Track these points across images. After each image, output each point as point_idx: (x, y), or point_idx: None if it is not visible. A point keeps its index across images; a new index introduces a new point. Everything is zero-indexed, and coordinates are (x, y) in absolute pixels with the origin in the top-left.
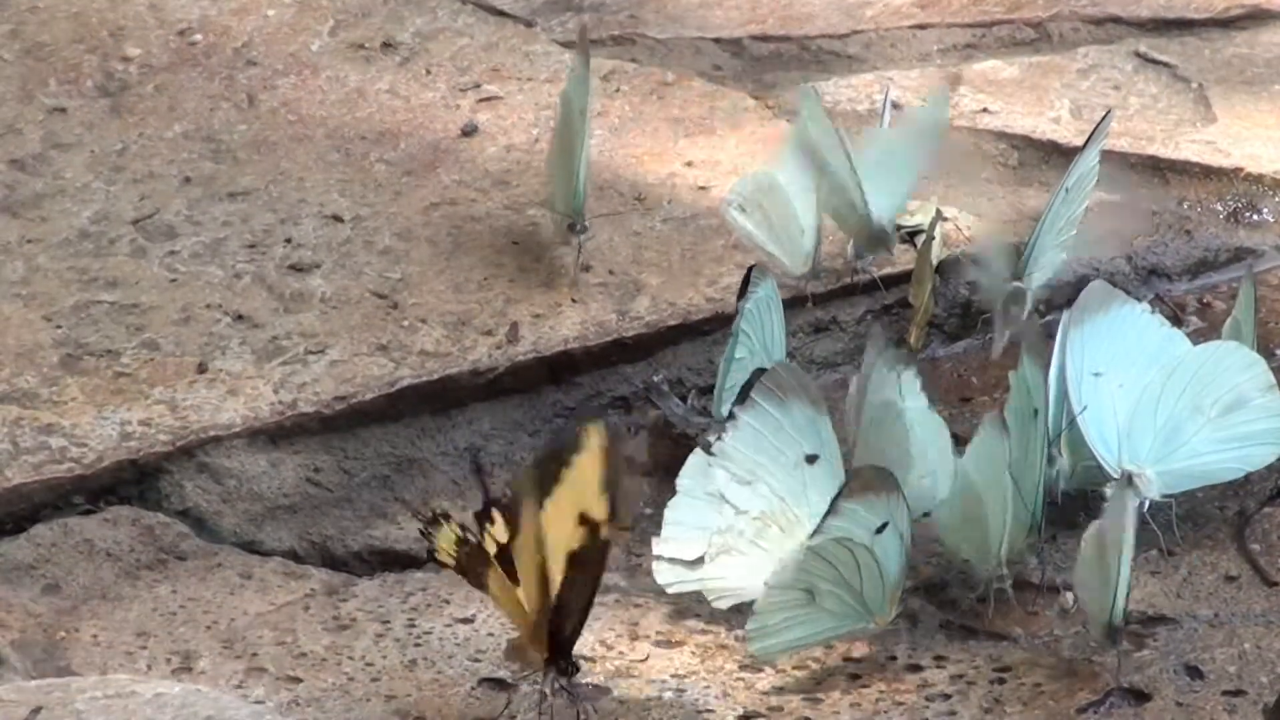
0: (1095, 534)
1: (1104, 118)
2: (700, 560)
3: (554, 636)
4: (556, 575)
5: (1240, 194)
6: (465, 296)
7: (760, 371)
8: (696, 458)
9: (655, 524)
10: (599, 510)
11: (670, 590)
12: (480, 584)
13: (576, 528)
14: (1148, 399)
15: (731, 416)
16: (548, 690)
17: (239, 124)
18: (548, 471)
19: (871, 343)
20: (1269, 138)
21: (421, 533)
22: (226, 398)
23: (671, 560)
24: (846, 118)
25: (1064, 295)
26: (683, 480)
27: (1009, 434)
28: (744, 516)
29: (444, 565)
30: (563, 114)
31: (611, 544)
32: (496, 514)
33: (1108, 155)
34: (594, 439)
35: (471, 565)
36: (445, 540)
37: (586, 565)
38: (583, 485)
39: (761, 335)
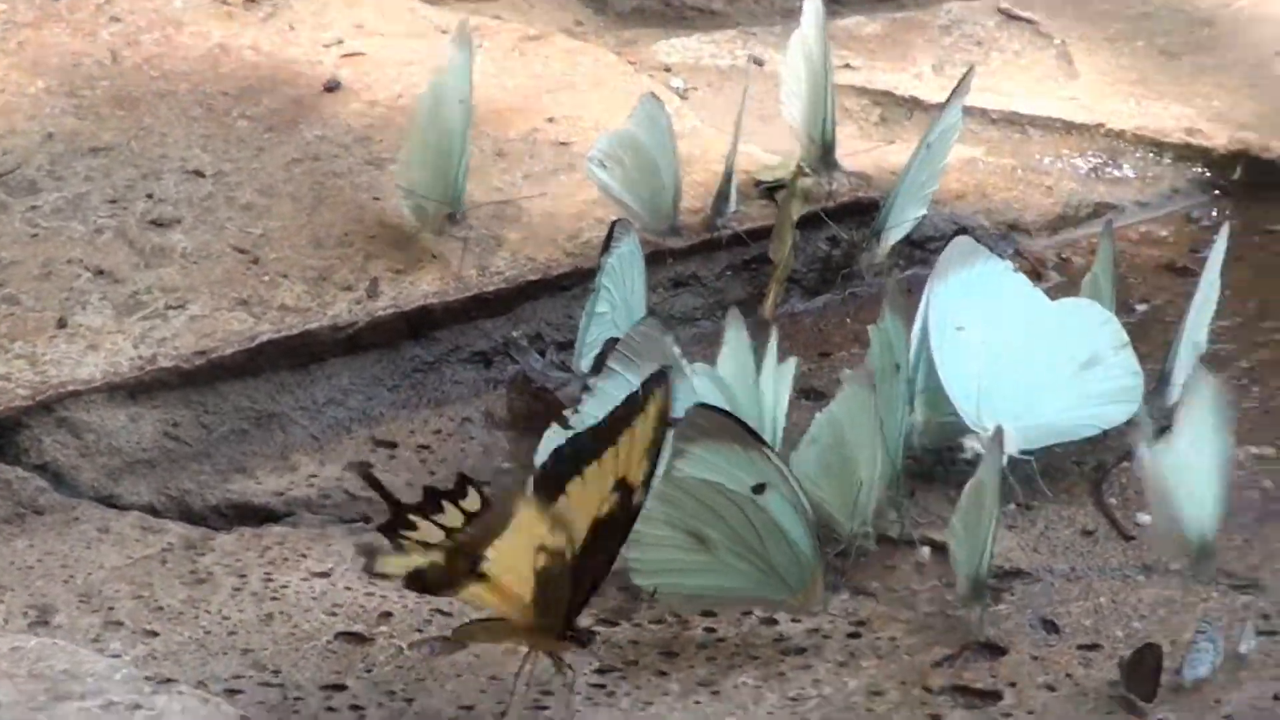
0: (975, 487)
1: (965, 74)
2: None
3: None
4: (573, 546)
5: (1101, 150)
6: (326, 252)
7: (614, 340)
8: (553, 433)
9: (514, 478)
10: (637, 474)
11: None
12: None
13: (610, 494)
14: (1007, 355)
15: (587, 388)
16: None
17: (102, 80)
18: (607, 434)
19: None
20: (1130, 94)
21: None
22: (86, 353)
23: None
24: (708, 73)
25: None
26: (541, 458)
27: (873, 390)
28: None
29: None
30: (431, 104)
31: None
32: (445, 504)
33: (971, 111)
34: (657, 401)
35: (453, 571)
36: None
37: (613, 530)
38: (631, 449)
39: (623, 290)
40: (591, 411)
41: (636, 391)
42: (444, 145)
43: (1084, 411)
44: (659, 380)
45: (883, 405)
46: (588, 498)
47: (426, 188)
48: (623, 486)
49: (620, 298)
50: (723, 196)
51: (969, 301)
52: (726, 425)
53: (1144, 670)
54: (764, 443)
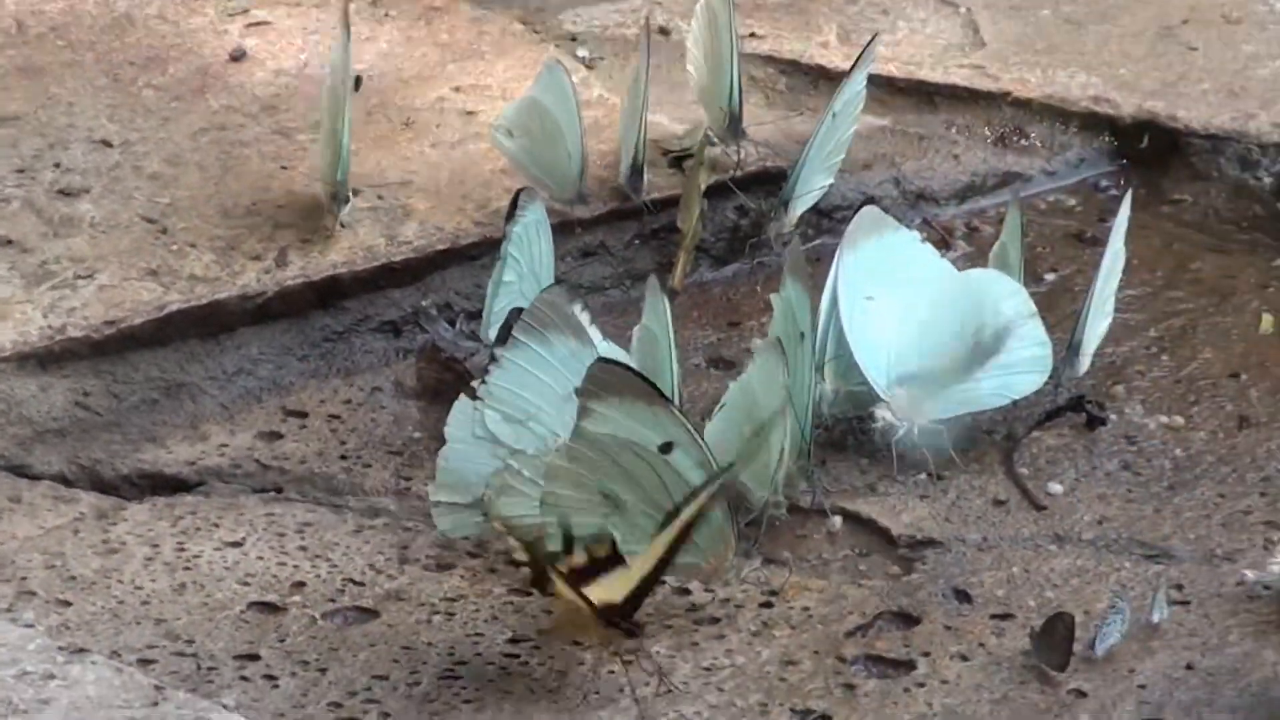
0: None
1: (870, 42)
2: (478, 503)
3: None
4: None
5: (1008, 119)
6: (234, 222)
7: (518, 310)
8: (461, 404)
9: (425, 448)
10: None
11: (452, 535)
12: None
13: None
14: (916, 326)
15: (494, 359)
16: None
17: (7, 49)
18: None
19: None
20: (1036, 62)
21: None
22: None
23: (450, 505)
24: (615, 43)
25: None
26: (450, 429)
27: (785, 358)
28: (519, 455)
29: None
30: (330, 84)
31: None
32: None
33: (877, 80)
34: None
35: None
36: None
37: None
38: None
39: (530, 259)
40: (499, 382)
41: None
42: (330, 126)
43: (993, 381)
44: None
45: (790, 372)
46: None
47: (323, 170)
48: None
49: (527, 266)
50: (635, 167)
51: (878, 271)
52: (631, 381)
53: (1055, 640)
54: (669, 400)
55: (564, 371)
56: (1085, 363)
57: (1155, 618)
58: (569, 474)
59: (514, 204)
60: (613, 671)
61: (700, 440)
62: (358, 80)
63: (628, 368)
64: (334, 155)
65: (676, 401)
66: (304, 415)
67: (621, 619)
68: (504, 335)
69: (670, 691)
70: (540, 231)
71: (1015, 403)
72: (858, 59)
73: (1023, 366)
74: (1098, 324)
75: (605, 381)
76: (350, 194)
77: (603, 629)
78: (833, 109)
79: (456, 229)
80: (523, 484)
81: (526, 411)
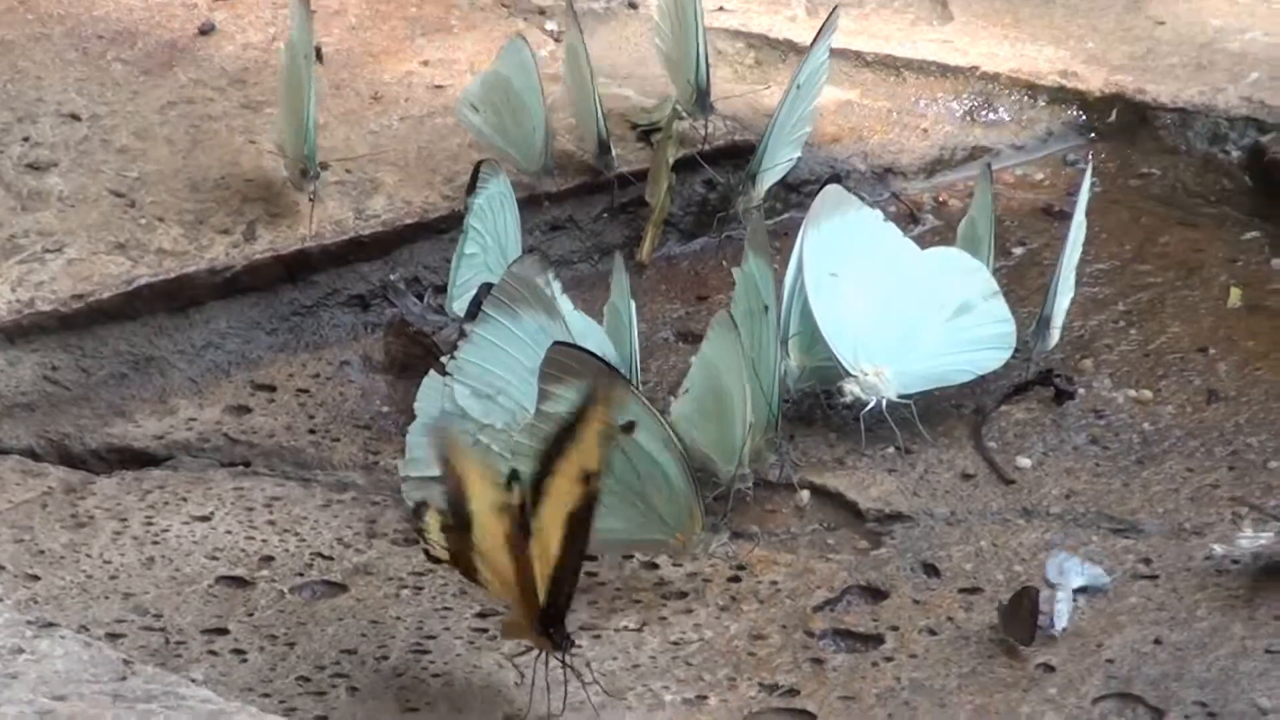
0: None
1: (830, 14)
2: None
3: (552, 604)
4: (555, 540)
5: (976, 93)
6: (203, 195)
7: (488, 286)
8: (431, 379)
9: (393, 423)
10: (595, 462)
11: None
12: (471, 574)
13: (575, 485)
14: (880, 303)
15: (463, 334)
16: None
17: None
18: (570, 430)
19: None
20: (1005, 36)
21: (417, 532)
22: None
23: (420, 480)
24: (582, 16)
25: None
26: (419, 404)
27: (739, 331)
28: (488, 430)
29: (440, 561)
30: (287, 60)
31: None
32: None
33: (845, 54)
34: (612, 391)
35: (460, 554)
36: (434, 527)
37: (582, 523)
38: (591, 439)
39: (494, 231)
40: (468, 357)
41: (593, 385)
42: (292, 102)
43: (958, 358)
44: (611, 377)
45: (754, 346)
46: (561, 496)
47: (290, 146)
48: (587, 477)
49: (492, 239)
50: (602, 143)
51: (841, 249)
52: (589, 363)
53: (1021, 614)
54: (628, 381)
55: (533, 346)
56: (1055, 335)
57: (1058, 627)
58: (533, 452)
59: (475, 176)
60: (580, 646)
61: (661, 418)
62: (318, 51)
63: (585, 350)
64: (298, 131)
65: (636, 380)
66: (272, 389)
67: (552, 624)
68: (473, 310)
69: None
70: (505, 204)
71: (983, 377)
72: (819, 31)
73: (986, 343)
74: (1065, 297)
75: (563, 364)
76: (319, 169)
77: (536, 635)
78: (797, 81)
79: (425, 203)
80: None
81: (495, 386)
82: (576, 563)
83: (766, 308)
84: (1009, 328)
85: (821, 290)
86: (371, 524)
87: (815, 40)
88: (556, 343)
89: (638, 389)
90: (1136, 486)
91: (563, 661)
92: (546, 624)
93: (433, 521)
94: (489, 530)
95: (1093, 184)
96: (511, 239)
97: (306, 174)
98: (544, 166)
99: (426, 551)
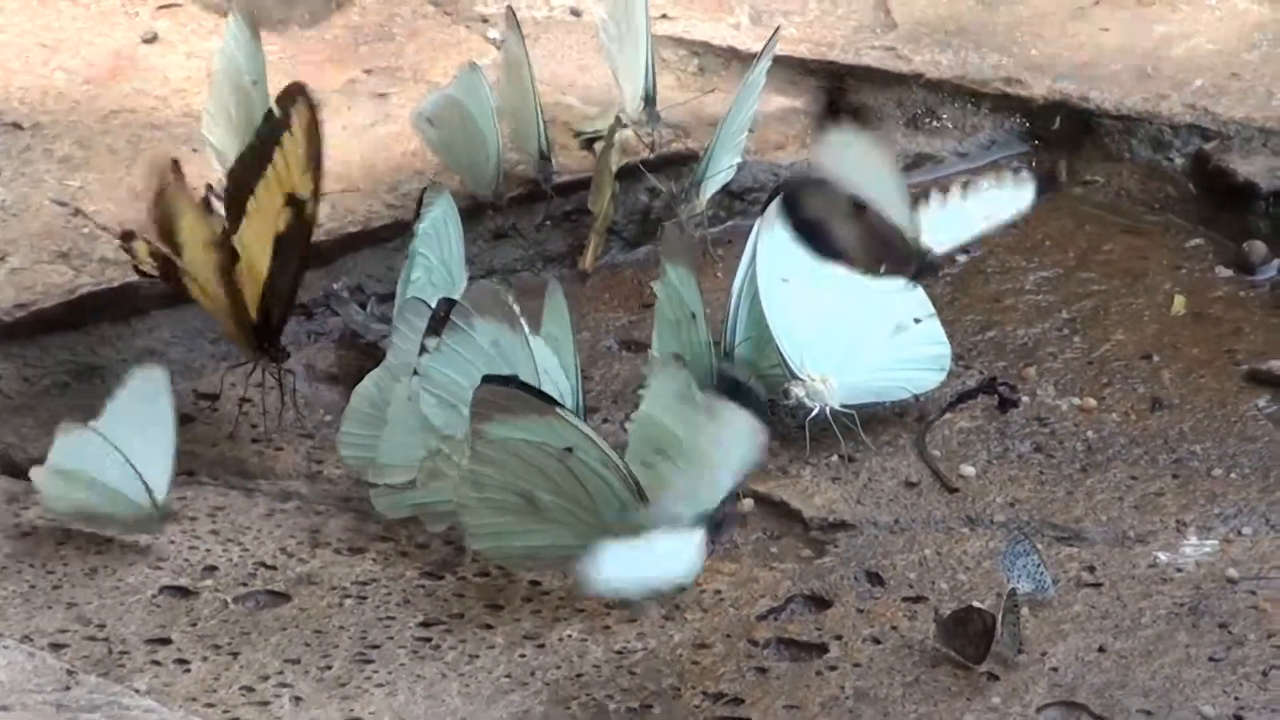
0: None
1: (771, 36)
2: (412, 484)
3: (264, 322)
4: (264, 262)
5: (919, 100)
6: (145, 205)
7: (450, 301)
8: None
9: (337, 432)
10: (305, 187)
11: (390, 516)
12: (181, 290)
13: (283, 209)
14: (826, 314)
15: (424, 348)
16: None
17: None
18: (261, 153)
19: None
20: (948, 43)
21: (124, 249)
22: None
23: (387, 487)
24: (525, 25)
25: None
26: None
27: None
28: (449, 440)
29: (148, 276)
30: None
31: (315, 222)
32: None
33: (789, 61)
34: (302, 115)
35: (170, 274)
36: (143, 253)
37: (293, 246)
38: (291, 164)
39: (440, 252)
40: (436, 367)
41: (278, 112)
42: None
43: (897, 374)
44: (297, 95)
45: (687, 353)
46: (265, 216)
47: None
48: (293, 201)
49: (437, 259)
50: (543, 154)
51: (794, 255)
52: (516, 396)
53: (971, 634)
54: (562, 406)
55: (498, 359)
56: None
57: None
58: (486, 479)
59: (419, 202)
60: (524, 655)
61: (598, 439)
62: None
63: (516, 383)
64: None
65: (579, 399)
66: (215, 398)
67: (267, 338)
68: (436, 324)
69: None
70: (449, 223)
71: (917, 397)
72: (763, 50)
73: (924, 363)
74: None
75: (492, 403)
76: None
77: (252, 349)
78: (741, 89)
79: (368, 211)
80: (454, 469)
81: (458, 396)
82: (289, 284)
83: (694, 314)
84: (945, 349)
85: (773, 294)
86: (315, 533)
87: (759, 55)
88: (485, 378)
89: (580, 412)
90: (1080, 494)
91: (278, 372)
92: (261, 338)
93: (141, 249)
94: (200, 262)
95: (1038, 190)
96: (456, 257)
97: None
98: (494, 193)
99: (136, 268)
